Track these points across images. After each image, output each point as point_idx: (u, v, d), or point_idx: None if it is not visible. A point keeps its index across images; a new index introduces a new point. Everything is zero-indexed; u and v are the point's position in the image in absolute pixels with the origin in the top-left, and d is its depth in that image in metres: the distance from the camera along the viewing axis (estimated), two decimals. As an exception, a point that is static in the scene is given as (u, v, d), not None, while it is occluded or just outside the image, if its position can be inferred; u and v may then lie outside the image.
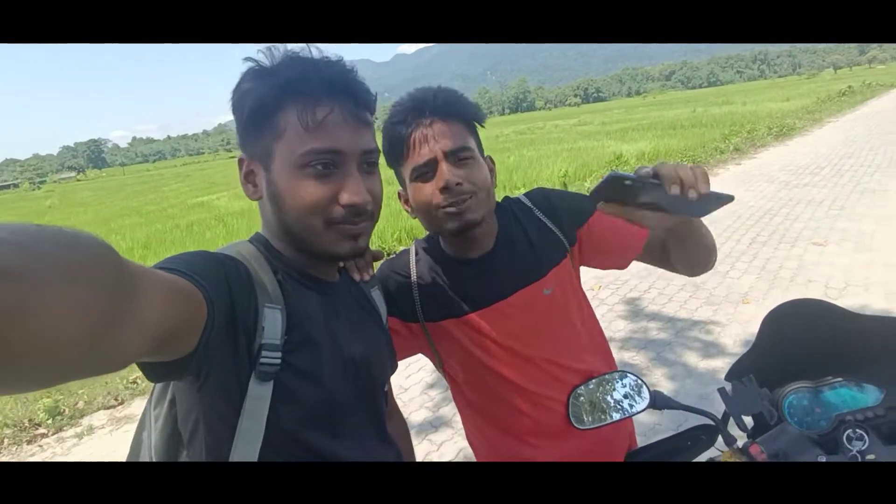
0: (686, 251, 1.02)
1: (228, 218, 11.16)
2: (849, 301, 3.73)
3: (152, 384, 0.75)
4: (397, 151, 0.99)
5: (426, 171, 0.96)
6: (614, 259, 1.13)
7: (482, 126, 1.04)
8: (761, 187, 7.91)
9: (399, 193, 1.07)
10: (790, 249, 5.00)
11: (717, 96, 43.55)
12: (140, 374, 3.69)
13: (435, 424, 2.98)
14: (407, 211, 1.06)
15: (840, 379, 0.94)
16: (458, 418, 1.26)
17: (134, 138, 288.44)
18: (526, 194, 1.16)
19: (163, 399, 0.75)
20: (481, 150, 1.03)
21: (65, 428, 3.52)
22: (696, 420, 1.06)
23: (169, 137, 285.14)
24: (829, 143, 11.73)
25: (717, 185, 8.49)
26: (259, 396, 0.66)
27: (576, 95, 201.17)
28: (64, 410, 3.64)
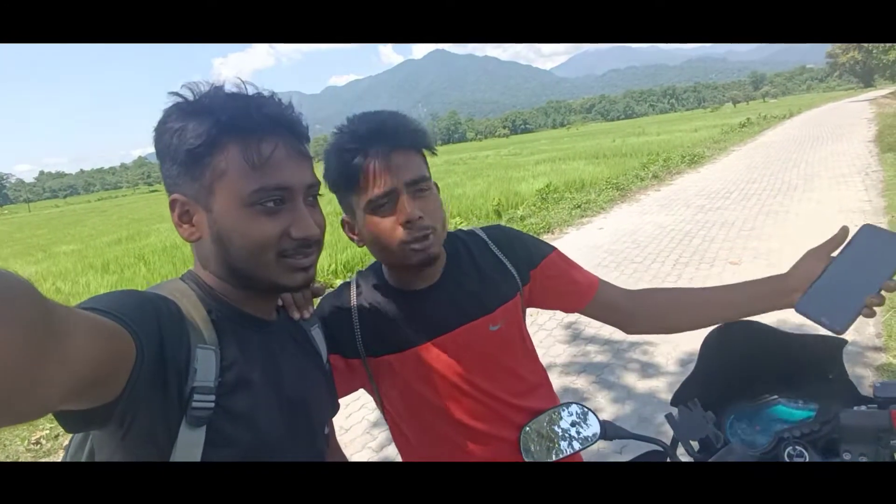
0: (695, 322, 1.09)
1: (151, 256, 10.51)
2: (767, 318, 3.98)
3: (57, 444, 0.67)
4: (350, 180, 0.91)
5: (385, 203, 0.90)
6: (562, 304, 1.14)
7: (434, 155, 1.00)
8: (680, 211, 8.44)
9: (344, 221, 1.00)
10: (710, 269, 5.32)
11: (633, 127, 46.50)
12: (43, 434, 3.37)
13: (379, 465, 2.86)
14: (353, 240, 0.99)
15: (776, 396, 0.98)
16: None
17: (41, 172, 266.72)
18: (483, 228, 1.13)
19: (80, 453, 0.69)
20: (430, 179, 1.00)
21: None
22: (642, 444, 1.07)
23: (82, 171, 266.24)
24: (736, 169, 12.76)
25: (640, 210, 9.02)
26: (190, 443, 0.63)
27: (504, 127, 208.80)
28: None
